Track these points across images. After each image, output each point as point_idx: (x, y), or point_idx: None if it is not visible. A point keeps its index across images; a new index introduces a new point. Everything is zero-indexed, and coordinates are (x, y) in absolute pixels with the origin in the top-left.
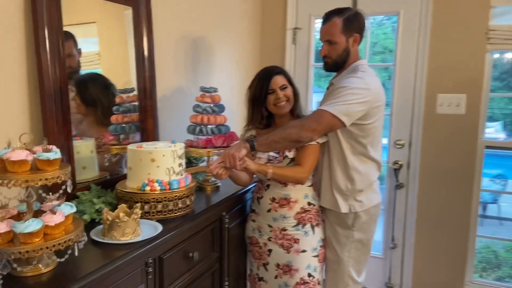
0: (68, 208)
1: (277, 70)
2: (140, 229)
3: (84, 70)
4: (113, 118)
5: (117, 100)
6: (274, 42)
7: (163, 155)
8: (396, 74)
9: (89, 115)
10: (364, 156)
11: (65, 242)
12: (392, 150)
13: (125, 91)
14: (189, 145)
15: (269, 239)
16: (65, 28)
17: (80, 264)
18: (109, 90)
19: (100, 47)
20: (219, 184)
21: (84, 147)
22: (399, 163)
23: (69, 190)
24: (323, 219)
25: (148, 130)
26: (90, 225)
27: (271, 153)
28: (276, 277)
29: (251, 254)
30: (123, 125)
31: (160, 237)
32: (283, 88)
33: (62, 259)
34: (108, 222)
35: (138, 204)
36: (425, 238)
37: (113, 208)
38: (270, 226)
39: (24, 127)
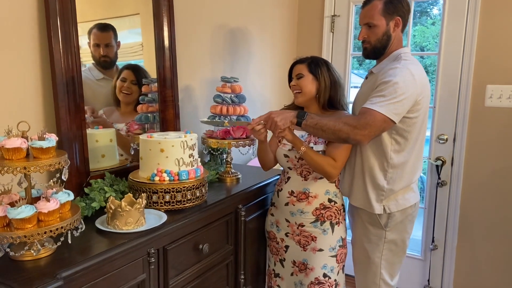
0: (65, 196)
1: (301, 60)
2: (144, 219)
3: (129, 60)
4: (138, 108)
5: (144, 89)
6: (311, 30)
7: (172, 146)
8: (440, 63)
9: (126, 104)
10: (408, 153)
11: (57, 229)
12: (434, 145)
13: (151, 81)
14: (208, 136)
15: (286, 235)
16: (110, 20)
17: (78, 252)
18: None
19: (143, 37)
20: (239, 176)
21: (103, 136)
22: (441, 159)
23: (63, 178)
24: (344, 218)
25: (168, 120)
26: (100, 213)
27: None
28: (292, 274)
29: (269, 249)
30: (148, 114)
31: (164, 228)
32: (298, 77)
33: (54, 246)
34: (111, 211)
35: (143, 194)
36: (469, 241)
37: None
38: (287, 220)
39: (37, 116)
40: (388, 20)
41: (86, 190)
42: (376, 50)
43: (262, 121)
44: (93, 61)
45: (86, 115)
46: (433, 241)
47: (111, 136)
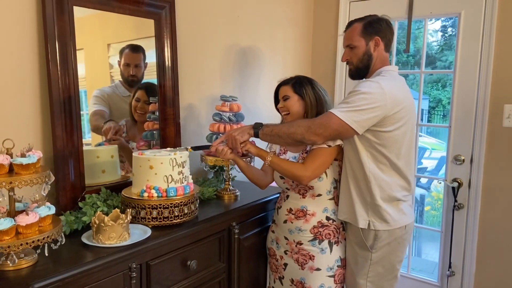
0: (46, 210)
1: (285, 81)
2: (128, 234)
3: (154, 79)
4: (145, 125)
5: (151, 108)
6: (325, 49)
7: (161, 163)
8: (455, 82)
9: (141, 123)
10: (389, 169)
11: (33, 242)
12: (450, 166)
13: (158, 100)
14: (207, 153)
15: (285, 252)
16: (136, 41)
17: (59, 264)
18: None
19: None
20: (237, 194)
21: (104, 152)
22: (458, 180)
23: (43, 193)
24: (344, 238)
25: (168, 138)
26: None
27: (290, 159)
28: None
29: (269, 265)
30: (154, 132)
31: (146, 243)
32: (284, 99)
33: (30, 258)
34: (95, 226)
35: (129, 210)
36: (488, 267)
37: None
38: (286, 238)
39: (36, 134)
40: (367, 40)
41: (80, 204)
42: (359, 70)
43: (223, 141)
44: (121, 79)
45: (109, 134)
46: (450, 266)
47: (112, 153)
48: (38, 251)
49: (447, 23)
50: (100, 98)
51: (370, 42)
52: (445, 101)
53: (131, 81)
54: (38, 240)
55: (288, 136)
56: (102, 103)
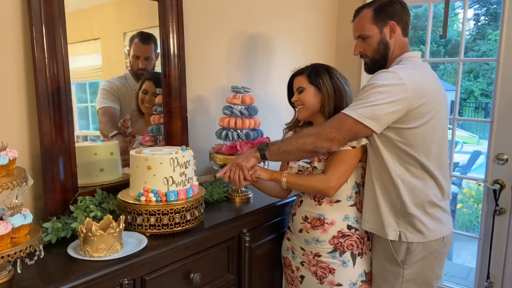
0: (20, 219)
1: (300, 71)
2: (120, 245)
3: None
4: (151, 119)
5: (157, 100)
6: (351, 35)
7: (160, 163)
8: (499, 71)
9: (149, 115)
10: (418, 171)
11: (2, 258)
12: (492, 165)
13: (162, 91)
14: (216, 151)
15: (301, 263)
16: (148, 30)
17: (38, 282)
18: None
19: None
20: (250, 195)
21: (102, 149)
22: (500, 182)
23: (17, 200)
24: (369, 248)
25: (174, 133)
26: None
27: (301, 163)
28: None
29: (285, 276)
30: (160, 126)
31: (141, 255)
32: (299, 91)
33: (3, 274)
34: (82, 235)
35: (122, 217)
36: None
37: (115, 217)
38: (302, 249)
39: (21, 130)
40: (381, 27)
41: (72, 208)
42: (376, 62)
43: (228, 170)
44: (129, 69)
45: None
46: (488, 277)
47: (112, 149)
48: (9, 268)
49: (479, 11)
50: (109, 91)
51: (385, 29)
52: (477, 92)
53: (141, 74)
54: (9, 255)
55: (298, 150)
56: (111, 98)
